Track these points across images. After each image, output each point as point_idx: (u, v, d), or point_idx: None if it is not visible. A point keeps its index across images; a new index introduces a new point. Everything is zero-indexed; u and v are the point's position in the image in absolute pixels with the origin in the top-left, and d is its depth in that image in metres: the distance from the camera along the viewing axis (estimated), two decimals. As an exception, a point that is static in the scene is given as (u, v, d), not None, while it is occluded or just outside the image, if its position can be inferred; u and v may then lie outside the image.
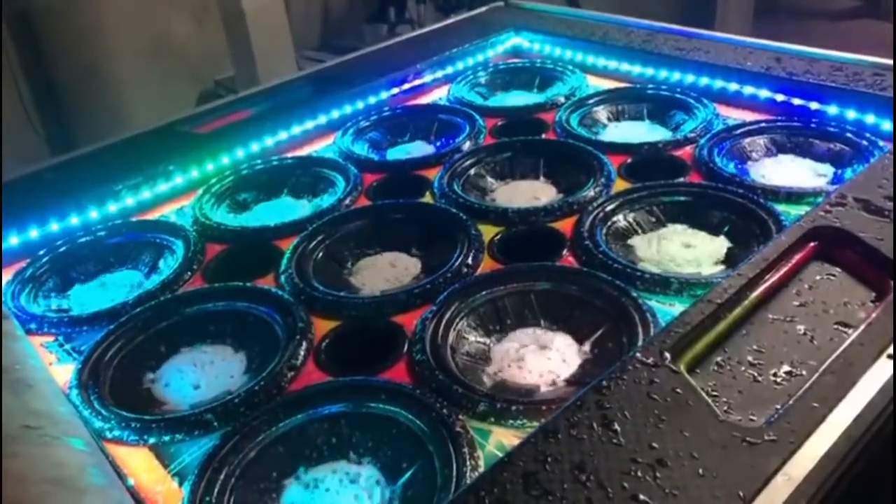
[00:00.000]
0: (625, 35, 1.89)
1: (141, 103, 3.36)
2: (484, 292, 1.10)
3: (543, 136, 1.60)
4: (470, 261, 1.18)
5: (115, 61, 3.35)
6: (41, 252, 1.37)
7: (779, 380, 0.84)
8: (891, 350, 0.84)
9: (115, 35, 3.31)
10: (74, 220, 1.46)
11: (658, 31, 1.88)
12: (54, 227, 1.43)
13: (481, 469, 0.83)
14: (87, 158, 1.67)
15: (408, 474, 0.86)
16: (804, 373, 0.84)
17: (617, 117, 1.67)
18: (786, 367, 0.86)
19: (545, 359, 0.99)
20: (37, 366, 0.86)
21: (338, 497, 0.84)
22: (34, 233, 1.42)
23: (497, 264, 1.19)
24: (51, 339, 1.17)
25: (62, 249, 1.38)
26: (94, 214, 1.48)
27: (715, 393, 0.82)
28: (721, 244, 1.19)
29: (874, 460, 0.77)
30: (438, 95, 1.92)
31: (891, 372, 0.81)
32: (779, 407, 0.80)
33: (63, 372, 1.08)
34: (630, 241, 1.23)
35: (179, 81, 3.53)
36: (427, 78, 1.94)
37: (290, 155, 1.68)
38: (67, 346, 1.16)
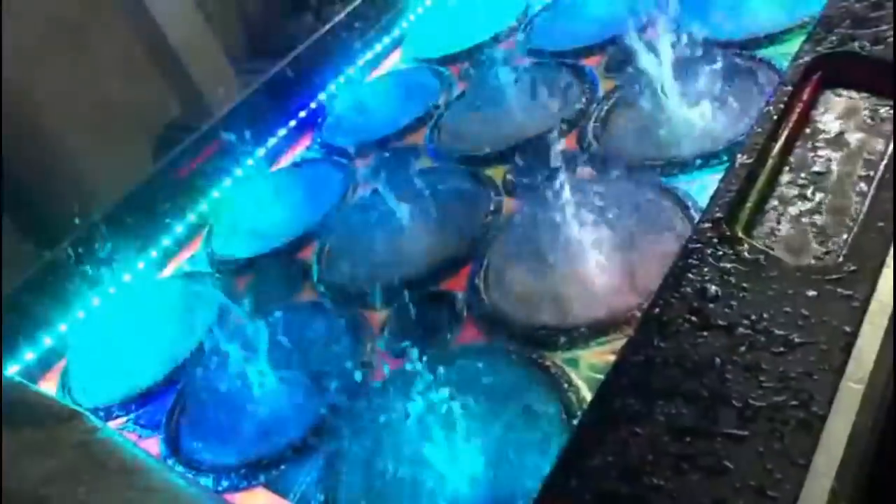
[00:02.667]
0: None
1: (102, 171, 3.31)
2: (518, 231, 1.10)
3: (512, 63, 1.58)
4: (492, 206, 1.18)
5: (65, 140, 3.29)
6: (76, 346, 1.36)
7: (833, 213, 0.85)
8: (932, 148, 0.84)
9: (57, 116, 3.25)
10: (96, 301, 1.45)
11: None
12: (80, 314, 1.43)
13: (585, 394, 0.84)
14: (82, 239, 1.65)
15: (516, 426, 0.87)
16: (855, 198, 0.84)
17: (577, 21, 1.64)
18: (834, 200, 0.86)
19: (603, 272, 0.99)
20: (134, 450, 0.86)
21: (463, 465, 0.85)
22: (63, 326, 1.41)
23: (518, 200, 1.19)
24: (122, 420, 1.18)
25: (95, 333, 1.37)
26: (112, 290, 1.47)
27: (781, 245, 0.83)
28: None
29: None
30: (394, 60, 1.90)
31: (939, 168, 0.81)
32: (845, 237, 0.80)
33: (149, 445, 1.09)
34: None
35: (132, 139, 3.47)
36: (377, 48, 1.91)
37: (275, 168, 1.67)
38: (142, 422, 1.16)
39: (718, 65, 1.21)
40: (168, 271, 1.50)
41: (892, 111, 0.94)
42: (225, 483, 0.96)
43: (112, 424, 1.16)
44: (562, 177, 1.18)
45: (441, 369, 0.87)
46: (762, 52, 1.22)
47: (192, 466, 1.01)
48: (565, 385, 0.84)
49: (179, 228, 1.55)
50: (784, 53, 1.17)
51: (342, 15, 2.13)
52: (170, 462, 1.02)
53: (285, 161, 1.70)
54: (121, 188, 1.76)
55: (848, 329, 0.69)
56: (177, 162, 1.77)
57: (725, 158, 1.04)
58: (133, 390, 1.22)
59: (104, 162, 3.34)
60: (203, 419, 1.10)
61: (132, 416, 1.18)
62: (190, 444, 1.06)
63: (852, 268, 0.75)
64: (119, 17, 3.00)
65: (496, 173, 1.27)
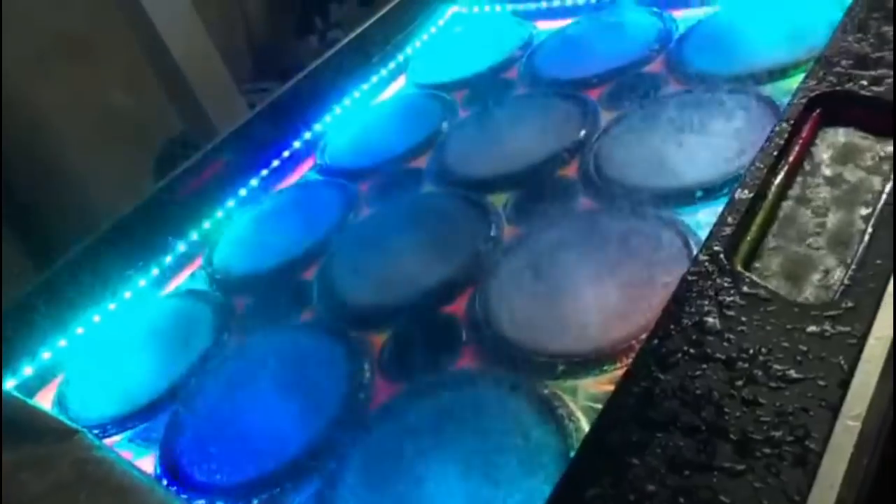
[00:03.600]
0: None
1: (103, 186, 3.32)
2: (518, 258, 1.11)
3: (514, 93, 1.61)
4: (493, 233, 1.19)
5: (66, 154, 3.30)
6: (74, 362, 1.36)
7: (832, 249, 0.86)
8: (928, 188, 0.85)
9: (59, 130, 3.26)
10: (96, 318, 1.45)
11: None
12: (79, 330, 1.43)
13: (584, 424, 0.84)
14: (84, 254, 1.66)
15: (513, 453, 0.87)
16: (854, 236, 0.85)
17: (578, 53, 1.67)
18: (833, 236, 0.87)
19: (602, 302, 1.00)
20: (129, 468, 0.86)
21: (457, 494, 0.85)
22: (62, 342, 1.41)
23: (519, 228, 1.20)
24: (118, 438, 1.18)
25: (93, 350, 1.38)
26: (112, 307, 1.47)
27: (779, 280, 0.84)
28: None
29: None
30: (398, 86, 1.92)
31: (936, 208, 0.83)
32: (843, 273, 0.81)
33: (144, 464, 1.09)
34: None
35: (132, 153, 3.49)
36: (382, 73, 1.93)
37: (278, 188, 1.68)
38: (138, 440, 1.16)
39: (719, 99, 1.23)
40: (169, 289, 1.51)
41: (890, 150, 0.95)
42: (219, 503, 0.96)
43: (107, 442, 1.15)
44: (562, 205, 1.20)
45: (438, 394, 0.87)
46: (763, 88, 1.23)
47: (186, 486, 1.00)
48: (563, 414, 0.85)
49: (182, 247, 1.56)
50: (785, 90, 1.19)
51: (347, 39, 2.16)
52: (164, 481, 1.02)
53: (287, 182, 1.71)
54: (123, 204, 1.77)
55: (845, 365, 0.70)
56: (180, 180, 1.78)
57: (725, 192, 1.05)
58: (129, 408, 1.22)
59: (105, 177, 3.36)
60: (198, 438, 1.09)
61: (127, 433, 1.17)
62: (184, 464, 1.05)
63: (850, 304, 0.76)
64: (124, 33, 3.02)
65: (497, 200, 1.28)
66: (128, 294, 1.48)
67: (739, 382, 0.72)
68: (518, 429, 0.86)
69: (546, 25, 1.82)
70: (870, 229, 0.83)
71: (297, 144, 1.76)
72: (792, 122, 1.02)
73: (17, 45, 2.94)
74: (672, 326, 0.80)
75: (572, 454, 0.78)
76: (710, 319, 0.79)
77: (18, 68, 2.98)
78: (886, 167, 0.92)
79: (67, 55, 3.22)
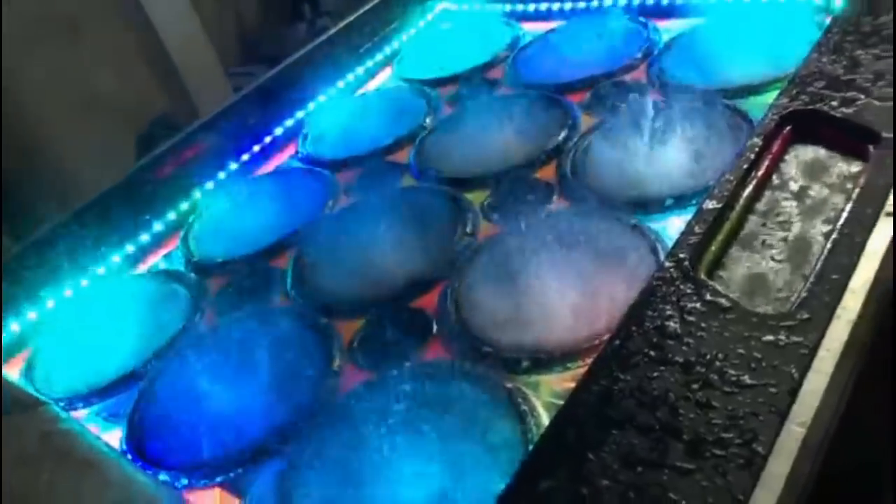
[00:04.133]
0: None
1: (84, 163, 3.29)
2: (492, 255, 1.13)
3: (498, 92, 1.62)
4: (469, 230, 1.21)
5: (49, 130, 3.27)
6: (43, 335, 1.36)
7: (792, 263, 0.89)
8: (888, 208, 0.88)
9: (42, 104, 3.23)
10: (67, 293, 1.45)
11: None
12: (50, 303, 1.43)
13: (543, 419, 0.86)
14: (60, 228, 1.65)
15: (474, 444, 0.89)
16: (815, 250, 0.88)
17: (563, 57, 1.69)
18: (795, 250, 0.90)
19: (570, 302, 1.02)
20: (95, 442, 0.87)
21: (416, 482, 0.87)
22: (32, 315, 1.41)
23: (495, 226, 1.22)
24: (84, 412, 1.18)
25: (63, 324, 1.38)
26: (85, 283, 1.47)
27: (740, 290, 0.87)
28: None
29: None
30: (382, 79, 1.93)
31: (893, 227, 0.86)
32: (801, 286, 0.84)
33: (110, 438, 1.09)
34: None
35: (115, 131, 3.46)
36: (368, 64, 1.94)
37: (257, 174, 1.69)
38: (104, 415, 1.17)
39: (696, 111, 1.26)
40: (143, 268, 1.51)
41: (855, 170, 0.98)
42: (183, 481, 0.97)
43: (73, 416, 1.16)
44: (538, 206, 1.22)
45: (405, 384, 0.89)
46: (739, 102, 1.26)
47: (150, 462, 1.01)
48: (525, 409, 0.87)
49: (158, 226, 1.56)
50: (760, 105, 1.21)
51: (336, 29, 2.17)
52: (129, 456, 1.03)
53: (267, 168, 1.71)
54: (102, 181, 1.77)
55: (795, 374, 0.73)
56: (160, 160, 1.78)
57: (695, 201, 1.07)
58: (96, 383, 1.22)
59: (85, 153, 3.33)
60: (164, 416, 1.10)
61: (94, 408, 1.18)
62: (150, 440, 1.06)
63: (805, 316, 0.79)
64: (113, 13, 3.00)
65: (476, 197, 1.30)
66: (101, 270, 1.48)
67: (695, 386, 0.75)
68: (480, 421, 0.88)
69: (533, 27, 1.84)
70: (829, 245, 0.86)
71: (279, 131, 1.77)
72: (763, 137, 1.05)
73: (4, 22, 2.91)
74: (634, 329, 0.82)
75: (531, 447, 0.80)
76: (671, 324, 0.81)
77: (4, 45, 2.95)
78: (850, 186, 0.95)
79: (54, 33, 3.19)
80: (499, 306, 1.06)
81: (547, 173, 1.29)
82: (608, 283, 1.03)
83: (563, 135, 1.34)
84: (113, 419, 1.15)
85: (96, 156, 3.32)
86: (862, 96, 1.04)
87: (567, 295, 1.02)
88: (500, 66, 1.71)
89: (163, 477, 0.98)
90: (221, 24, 3.91)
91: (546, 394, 0.91)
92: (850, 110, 1.03)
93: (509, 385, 0.91)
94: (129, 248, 1.53)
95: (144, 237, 1.55)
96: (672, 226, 1.08)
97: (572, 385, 0.83)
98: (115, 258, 1.51)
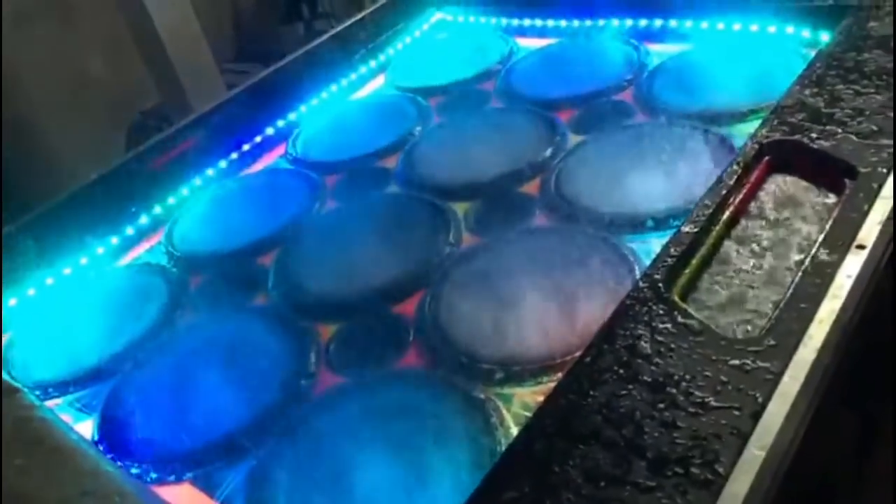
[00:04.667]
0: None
1: (72, 150, 3.29)
2: (472, 266, 1.14)
3: (488, 105, 1.64)
4: (451, 239, 1.22)
5: (38, 113, 3.26)
6: (22, 323, 1.36)
7: (763, 290, 0.91)
8: (858, 241, 0.90)
9: (33, 86, 3.22)
10: (49, 281, 1.45)
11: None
12: (31, 291, 1.43)
13: (513, 431, 0.88)
14: (43, 216, 1.65)
15: (444, 452, 0.90)
16: (786, 279, 0.90)
17: (554, 74, 1.71)
18: (767, 277, 0.92)
19: (546, 316, 1.04)
20: (68, 431, 0.87)
21: (383, 486, 0.88)
22: (12, 301, 1.41)
23: (477, 237, 1.24)
24: (59, 401, 1.18)
25: (43, 312, 1.38)
26: (67, 271, 1.47)
27: (711, 313, 0.88)
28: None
29: (865, 348, 0.84)
30: (375, 85, 1.95)
31: (862, 260, 0.88)
32: (771, 313, 0.86)
33: (82, 429, 1.09)
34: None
35: (105, 119, 3.46)
36: (362, 70, 1.95)
37: (246, 173, 1.69)
38: (78, 405, 1.17)
39: (681, 135, 1.29)
40: (126, 260, 1.51)
41: (830, 202, 1.01)
42: (153, 475, 0.98)
43: (48, 404, 1.16)
44: (521, 220, 1.24)
45: (378, 389, 0.90)
46: (723, 129, 1.29)
47: (122, 454, 1.02)
48: (495, 420, 0.88)
49: (144, 219, 1.56)
50: (744, 132, 1.24)
51: (332, 33, 2.18)
52: (101, 447, 1.03)
53: (256, 167, 1.72)
54: (89, 170, 1.77)
55: (760, 398, 0.74)
56: (149, 153, 1.78)
57: (675, 224, 1.09)
58: (72, 373, 1.23)
59: (75, 141, 3.33)
60: (137, 409, 1.10)
61: (68, 397, 1.18)
62: (122, 433, 1.06)
63: (772, 343, 0.80)
64: (110, 2, 3.00)
65: (460, 207, 1.31)
66: (84, 260, 1.49)
67: (661, 405, 0.76)
68: (450, 430, 0.90)
69: (527, 42, 1.86)
70: (800, 274, 0.89)
71: (269, 131, 1.78)
72: (743, 165, 1.07)
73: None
74: (606, 346, 0.84)
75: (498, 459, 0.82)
76: (641, 343, 0.83)
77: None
78: (824, 218, 0.98)
79: (49, 17, 3.19)
80: (476, 317, 1.07)
81: (531, 188, 1.31)
82: (584, 300, 1.04)
83: (549, 151, 1.36)
84: (87, 410, 1.15)
85: (85, 143, 3.32)
86: (840, 131, 1.07)
87: (544, 309, 1.04)
88: (492, 80, 1.72)
89: (133, 470, 0.98)
90: (218, 19, 3.92)
91: (518, 406, 0.92)
92: (828, 144, 1.06)
93: (482, 396, 0.92)
94: (114, 240, 1.53)
95: (129, 230, 1.55)
96: (651, 247, 1.10)
97: (542, 399, 0.84)
98: (99, 249, 1.51)
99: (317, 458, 0.92)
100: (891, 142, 1.02)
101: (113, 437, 1.05)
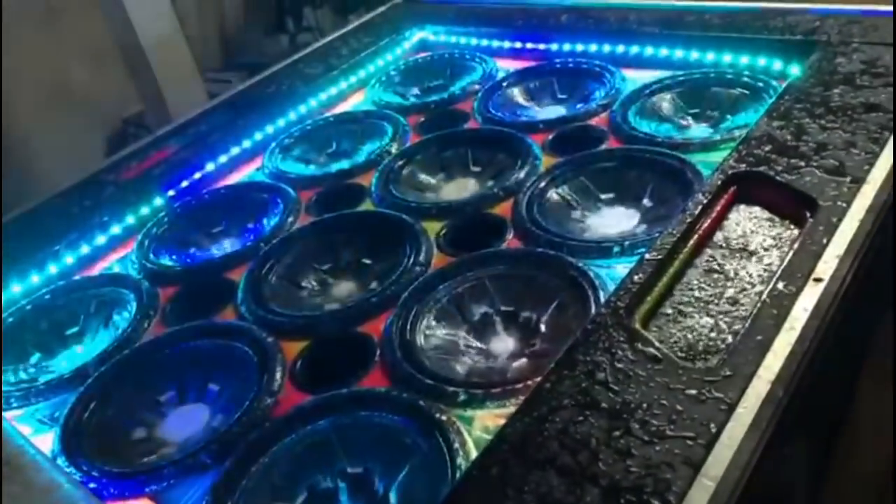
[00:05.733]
0: (527, 15, 1.96)
1: (50, 155, 3.27)
2: (441, 287, 1.15)
3: (466, 125, 1.66)
4: (422, 258, 1.23)
5: (16, 116, 3.24)
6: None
7: (724, 319, 0.92)
8: (816, 274, 0.92)
9: (11, 89, 3.20)
10: (16, 289, 1.44)
11: (558, 8, 1.95)
12: (-3, 298, 1.42)
13: (472, 453, 0.88)
14: (14, 222, 1.64)
15: (403, 472, 0.90)
16: (744, 310, 0.92)
17: (531, 96, 1.73)
18: (727, 307, 0.93)
19: (511, 339, 1.05)
20: (24, 444, 0.87)
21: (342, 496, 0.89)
22: (-23, 309, 1.39)
23: (448, 258, 1.24)
24: (20, 412, 1.17)
25: (10, 320, 1.36)
26: (35, 279, 1.46)
27: (671, 342, 0.90)
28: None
29: (818, 381, 0.85)
30: (354, 101, 1.95)
31: (819, 293, 0.90)
32: (728, 343, 0.87)
33: (42, 442, 1.08)
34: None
35: (85, 125, 3.45)
36: (342, 85, 1.96)
37: (221, 185, 1.69)
38: (39, 416, 1.16)
39: (652, 162, 1.30)
40: (95, 270, 1.50)
41: (792, 234, 1.03)
42: (112, 490, 0.97)
43: (8, 415, 1.15)
44: (491, 242, 1.25)
45: (341, 408, 0.90)
46: (693, 157, 1.30)
47: (80, 468, 1.01)
48: (454, 443, 0.88)
49: (115, 229, 1.56)
50: (712, 162, 1.25)
51: (314, 47, 2.20)
52: (59, 461, 1.02)
53: (231, 179, 1.72)
54: (64, 177, 1.76)
55: (713, 429, 0.76)
56: (124, 162, 1.78)
57: (641, 251, 1.10)
58: (34, 384, 1.22)
59: (52, 145, 3.31)
60: (98, 424, 1.09)
61: (29, 409, 1.17)
62: (81, 447, 1.05)
63: (728, 373, 0.82)
64: (94, 7, 3.00)
65: (431, 227, 1.32)
66: (53, 269, 1.48)
67: (617, 433, 0.77)
68: (410, 451, 0.90)
69: (506, 64, 1.88)
70: (759, 305, 0.90)
71: (246, 143, 1.78)
72: (709, 195, 1.09)
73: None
74: (566, 372, 0.85)
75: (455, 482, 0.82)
76: (600, 370, 0.84)
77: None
78: (785, 249, 0.99)
79: (32, 21, 3.18)
80: (442, 338, 1.08)
81: (504, 210, 1.32)
82: (549, 324, 1.05)
83: (522, 173, 1.37)
84: (49, 422, 1.14)
85: (62, 149, 3.30)
86: (804, 164, 1.09)
87: (508, 332, 1.05)
88: (470, 100, 1.74)
89: (91, 485, 0.97)
90: (203, 28, 3.93)
91: (478, 428, 0.93)
92: (792, 176, 1.08)
93: (443, 417, 0.92)
94: (84, 249, 1.52)
95: (100, 239, 1.54)
96: (617, 272, 1.11)
97: (502, 423, 0.85)
98: (69, 258, 1.50)
99: (277, 476, 0.92)
100: (849, 178, 1.05)
101: (72, 450, 1.03)
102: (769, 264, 0.98)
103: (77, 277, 1.47)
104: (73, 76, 3.40)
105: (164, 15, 2.97)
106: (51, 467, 0.88)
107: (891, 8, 1.45)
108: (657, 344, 0.87)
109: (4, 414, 1.12)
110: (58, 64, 3.34)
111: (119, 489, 0.97)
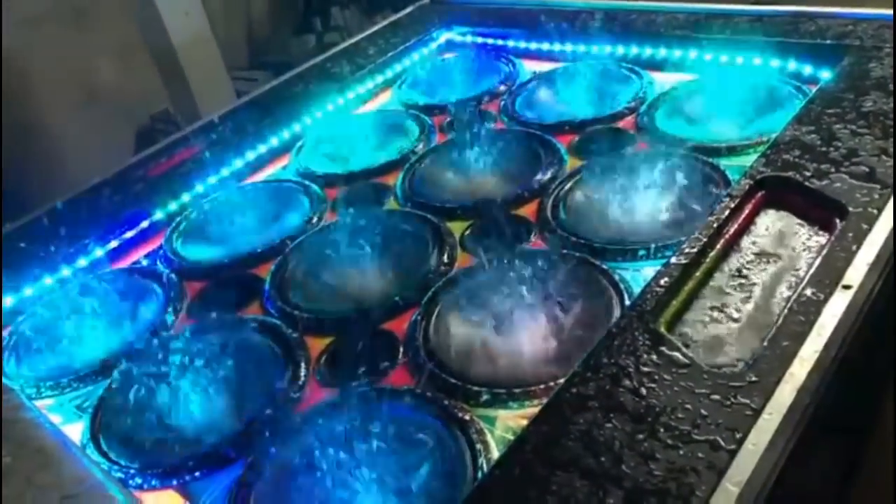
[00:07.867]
0: (553, 16, 1.95)
1: (81, 153, 3.31)
2: (465, 287, 1.15)
3: (491, 125, 1.66)
4: (446, 258, 1.23)
5: (49, 115, 3.29)
6: (20, 318, 1.38)
7: (750, 325, 0.91)
8: (845, 281, 0.91)
9: (44, 89, 3.25)
10: (48, 281, 1.47)
11: (585, 9, 1.94)
12: (28, 291, 1.44)
13: (494, 453, 0.88)
14: (48, 216, 1.67)
15: (425, 471, 0.91)
16: (772, 315, 0.91)
17: (557, 98, 1.73)
18: (754, 313, 0.93)
19: (535, 340, 1.05)
20: (55, 433, 0.88)
21: (364, 502, 0.89)
22: (8, 300, 1.42)
23: (472, 257, 1.24)
24: (51, 402, 1.19)
25: (40, 311, 1.39)
26: (66, 272, 1.49)
27: (696, 346, 0.89)
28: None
29: (844, 388, 0.85)
30: (381, 101, 1.96)
31: (848, 300, 0.89)
32: (755, 349, 0.87)
33: (72, 431, 1.10)
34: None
35: (115, 123, 3.49)
36: (369, 84, 1.97)
37: (249, 181, 1.71)
38: (70, 406, 1.18)
39: (678, 165, 1.29)
40: (125, 263, 1.52)
41: (820, 240, 1.02)
42: (138, 480, 0.98)
43: (39, 404, 1.17)
44: (516, 243, 1.25)
45: (364, 405, 0.91)
46: (720, 161, 1.30)
47: (107, 457, 1.02)
48: (477, 443, 0.89)
49: (144, 224, 1.58)
50: (740, 166, 1.25)
51: (341, 46, 2.21)
52: (88, 450, 1.04)
53: (258, 177, 1.74)
54: (94, 172, 1.79)
55: (738, 434, 0.75)
56: (154, 158, 1.80)
57: (667, 254, 1.10)
58: (65, 374, 1.24)
59: (83, 142, 3.35)
60: (126, 414, 1.11)
61: (61, 398, 1.19)
62: (110, 436, 1.07)
63: (754, 379, 0.81)
64: (123, 8, 3.04)
65: (456, 227, 1.32)
66: (83, 262, 1.50)
67: (641, 436, 0.77)
68: (434, 449, 0.90)
69: (533, 66, 1.88)
70: (786, 311, 0.89)
71: (274, 141, 1.79)
72: (737, 199, 1.08)
73: (15, 4, 2.94)
74: (590, 374, 0.85)
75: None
76: (625, 373, 0.84)
77: (13, 29, 2.97)
78: (813, 256, 0.98)
79: (64, 20, 3.22)
80: (466, 337, 1.08)
81: (529, 211, 1.32)
82: (573, 326, 1.05)
83: (548, 175, 1.37)
84: (78, 411, 1.16)
85: (92, 145, 3.34)
86: (834, 170, 1.08)
87: (532, 334, 1.05)
88: (497, 101, 1.74)
89: (117, 474, 0.99)
90: (232, 27, 3.96)
91: (501, 429, 0.93)
92: (822, 182, 1.07)
93: (466, 417, 0.93)
94: (114, 243, 1.54)
95: (129, 233, 1.57)
96: (643, 275, 1.11)
97: (525, 423, 0.85)
98: (98, 251, 1.52)
99: (300, 471, 0.93)
100: (880, 185, 1.03)
101: (100, 440, 1.05)
102: (797, 270, 0.98)
103: (106, 270, 1.49)
104: (102, 76, 3.45)
105: (194, 15, 3.00)
106: (80, 456, 0.90)
107: (924, 12, 1.43)
108: (682, 348, 0.87)
109: (35, 403, 1.14)
110: (86, 66, 3.39)
111: (144, 480, 0.98)
